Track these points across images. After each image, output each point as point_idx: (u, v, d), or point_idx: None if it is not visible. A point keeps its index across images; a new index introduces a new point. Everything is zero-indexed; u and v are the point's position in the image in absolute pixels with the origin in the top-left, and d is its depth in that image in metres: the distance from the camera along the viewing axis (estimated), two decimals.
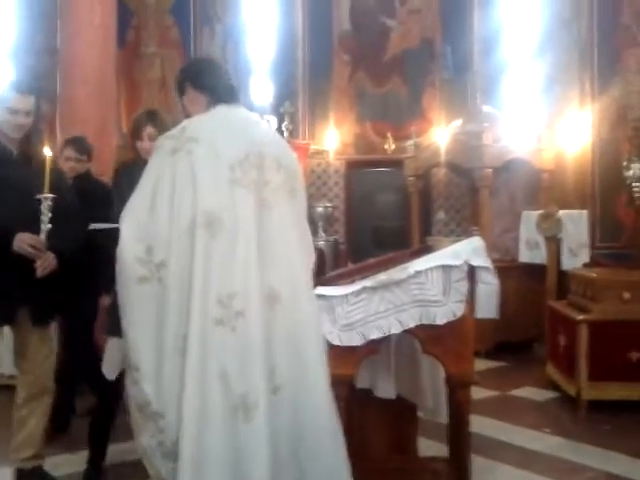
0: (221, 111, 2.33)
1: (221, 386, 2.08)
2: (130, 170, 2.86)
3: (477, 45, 8.12)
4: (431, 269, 2.52)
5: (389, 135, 8.24)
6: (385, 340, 2.63)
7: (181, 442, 2.05)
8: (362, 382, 2.90)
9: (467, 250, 2.58)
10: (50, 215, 2.85)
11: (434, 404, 3.05)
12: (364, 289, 2.53)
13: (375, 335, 2.52)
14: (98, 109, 5.51)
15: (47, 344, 3.15)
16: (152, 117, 3.29)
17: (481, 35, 8.12)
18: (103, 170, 5.58)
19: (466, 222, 7.69)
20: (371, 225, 8.42)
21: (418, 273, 2.52)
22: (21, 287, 2.91)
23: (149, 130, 3.23)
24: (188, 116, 2.38)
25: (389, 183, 8.30)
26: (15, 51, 7.62)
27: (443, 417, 3.04)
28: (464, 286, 2.53)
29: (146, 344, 2.11)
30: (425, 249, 3.01)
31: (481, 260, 2.54)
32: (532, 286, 6.14)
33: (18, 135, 3.03)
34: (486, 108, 7.02)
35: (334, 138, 8.40)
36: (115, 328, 3.08)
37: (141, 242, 2.12)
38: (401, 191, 7.97)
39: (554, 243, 5.95)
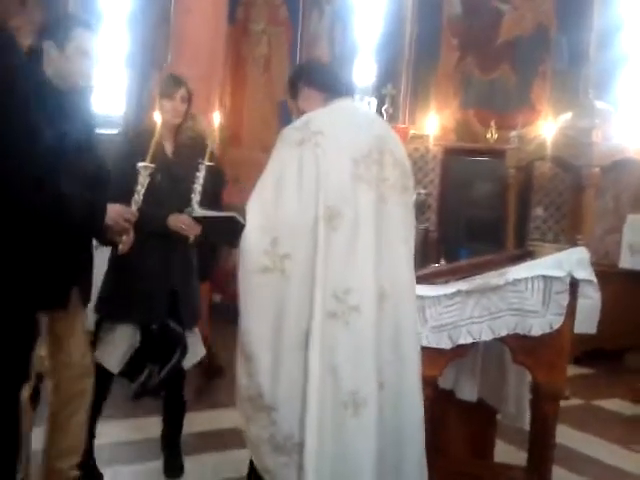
0: (340, 105, 2.32)
1: (331, 381, 2.08)
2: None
3: (594, 37, 7.70)
4: (532, 278, 2.45)
5: (492, 124, 8.00)
6: (474, 344, 2.58)
7: (307, 438, 2.05)
8: (444, 383, 2.87)
9: (571, 261, 2.49)
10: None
11: (516, 410, 2.99)
12: (459, 292, 2.49)
13: (465, 340, 2.49)
14: (205, 85, 5.63)
15: (86, 332, 2.79)
16: (184, 82, 3.16)
17: (599, 26, 7.68)
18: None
19: (565, 221, 7.40)
20: (465, 215, 8.23)
21: (517, 281, 2.45)
22: (73, 266, 2.55)
23: (183, 92, 3.10)
24: (301, 113, 2.34)
25: (488, 173, 8.08)
26: (129, 23, 7.88)
27: (525, 423, 2.97)
28: (565, 299, 2.45)
29: (264, 335, 2.11)
30: (525, 254, 2.92)
31: (585, 273, 2.44)
32: (632, 293, 5.86)
33: (85, 83, 2.57)
34: (599, 104, 6.68)
35: (435, 123, 8.24)
36: (125, 312, 2.97)
37: (267, 233, 2.11)
38: (499, 182, 7.74)
39: None
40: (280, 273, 2.09)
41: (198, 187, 2.82)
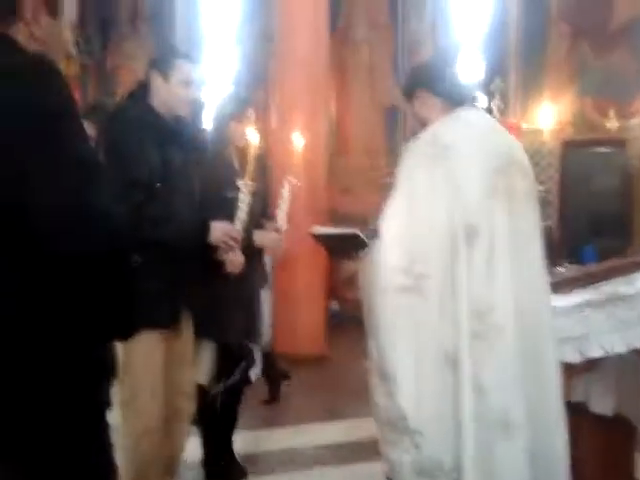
0: (464, 116, 2.23)
1: (481, 403, 2.02)
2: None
3: None
4: None
5: (611, 113, 7.54)
6: (606, 357, 2.41)
7: (465, 461, 2.01)
8: (576, 395, 2.71)
9: None
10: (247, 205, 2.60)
11: None
12: (587, 302, 2.33)
13: (596, 354, 2.32)
14: (310, 95, 5.68)
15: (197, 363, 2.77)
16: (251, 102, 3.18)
17: None
18: (317, 157, 5.76)
19: None
20: (587, 210, 7.81)
21: None
22: (187, 287, 2.54)
23: (250, 112, 3.08)
24: (422, 121, 2.28)
25: (609, 165, 7.63)
26: (235, 38, 8.10)
27: None
28: None
29: (404, 356, 2.06)
30: None
31: None
32: None
33: (186, 111, 2.68)
34: None
35: (549, 116, 7.88)
36: (211, 330, 2.90)
37: (405, 252, 2.06)
38: (623, 174, 7.30)
39: None
40: (418, 292, 2.04)
41: (284, 205, 2.87)
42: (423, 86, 2.28)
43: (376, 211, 2.30)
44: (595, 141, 7.69)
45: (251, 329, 3.21)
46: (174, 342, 2.63)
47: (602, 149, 7.71)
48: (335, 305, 6.89)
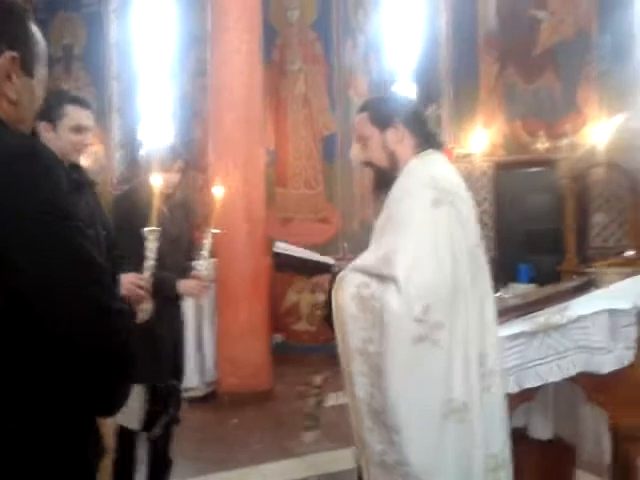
0: (440, 159, 2.23)
1: (482, 450, 2.07)
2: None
3: (639, 32, 7.48)
4: (596, 313, 2.33)
5: (541, 133, 7.81)
6: (543, 385, 2.47)
7: None
8: (515, 421, 2.76)
9: (636, 291, 2.36)
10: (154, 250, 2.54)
11: (596, 448, 2.84)
12: (522, 333, 2.39)
13: (532, 384, 2.38)
14: (246, 131, 5.69)
15: None
16: (182, 154, 3.19)
17: None
18: (253, 191, 5.77)
19: (627, 225, 7.13)
20: (522, 229, 8.03)
21: (581, 317, 2.34)
22: None
23: (179, 164, 3.12)
24: (390, 152, 2.20)
25: (541, 184, 7.87)
26: (170, 74, 8.07)
27: (606, 459, 2.83)
28: (633, 331, 2.31)
29: (412, 407, 2.02)
30: (587, 284, 2.80)
31: None
32: None
33: (79, 158, 2.64)
34: None
35: (482, 139, 8.10)
36: (138, 374, 2.93)
37: (420, 299, 1.99)
38: (555, 192, 7.53)
39: None
40: (432, 343, 1.99)
41: (205, 254, 2.84)
42: (403, 118, 2.22)
43: (319, 240, 2.30)
44: (526, 162, 7.93)
45: (177, 369, 3.27)
46: None
47: (533, 169, 7.95)
48: (278, 338, 6.86)
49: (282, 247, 2.31)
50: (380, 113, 2.23)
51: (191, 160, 7.39)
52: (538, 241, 7.74)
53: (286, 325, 6.80)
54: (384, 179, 2.21)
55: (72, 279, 1.21)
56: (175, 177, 3.17)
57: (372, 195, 2.35)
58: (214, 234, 2.84)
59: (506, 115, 8.16)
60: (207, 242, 2.85)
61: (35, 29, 1.36)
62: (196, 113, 7.51)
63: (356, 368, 2.07)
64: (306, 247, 2.51)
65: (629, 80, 7.20)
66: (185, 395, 5.70)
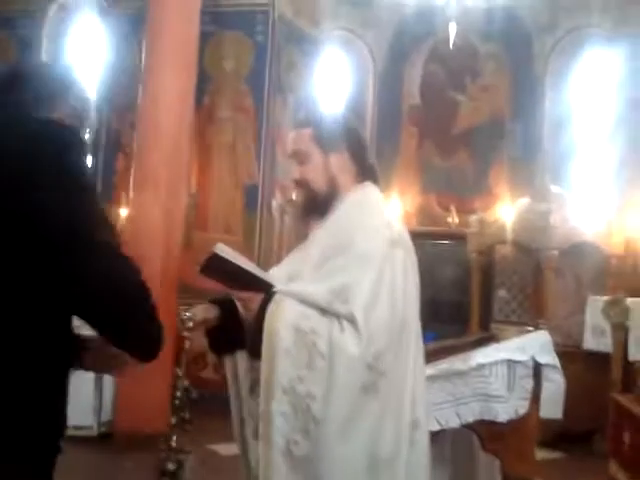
0: (380, 195, 2.13)
1: None
2: None
3: (548, 124, 8.09)
4: (495, 363, 2.45)
5: (453, 208, 8.19)
6: (440, 431, 2.54)
7: None
8: None
9: (534, 345, 2.50)
10: None
11: None
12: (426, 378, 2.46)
13: (431, 427, 2.43)
14: (170, 170, 5.68)
15: None
16: None
17: (552, 114, 8.10)
18: (173, 228, 5.72)
19: (528, 302, 7.50)
20: (429, 298, 8.26)
21: (481, 366, 2.45)
22: None
23: None
24: (331, 177, 2.07)
25: (450, 257, 8.20)
26: (97, 109, 7.99)
27: None
28: (529, 383, 2.44)
29: (339, 459, 1.86)
30: (488, 338, 2.93)
31: (549, 358, 2.45)
32: (596, 375, 5.88)
33: None
34: (554, 188, 6.92)
35: (396, 208, 8.39)
36: None
37: (373, 344, 1.84)
38: (462, 265, 7.85)
39: (621, 331, 5.72)
40: (374, 393, 1.85)
41: None
42: (349, 144, 2.08)
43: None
44: (437, 234, 8.25)
45: None
46: None
47: (444, 241, 8.27)
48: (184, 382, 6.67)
49: (225, 251, 1.99)
50: (326, 134, 2.07)
51: (108, 193, 7.28)
52: (443, 310, 7.99)
53: (192, 372, 6.64)
54: (316, 203, 2.07)
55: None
56: None
57: (299, 217, 2.21)
58: None
59: (421, 187, 8.53)
60: None
61: None
62: (122, 146, 7.44)
63: (277, 408, 1.84)
64: (219, 294, 2.38)
65: (536, 166, 7.73)
66: (78, 434, 5.44)
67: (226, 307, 2.06)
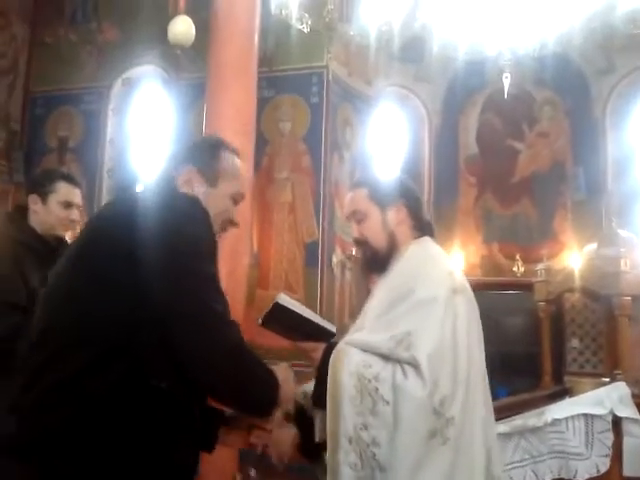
0: (439, 249, 2.16)
1: None
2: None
3: (610, 166, 7.92)
4: (572, 417, 2.34)
5: (518, 257, 8.03)
6: None
7: None
8: None
9: (612, 398, 2.38)
10: None
11: None
12: (498, 435, 2.37)
13: None
14: (233, 231, 5.76)
15: None
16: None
17: (614, 156, 7.94)
18: (237, 288, 5.79)
19: (603, 352, 7.19)
20: (498, 351, 7.99)
21: (557, 421, 2.34)
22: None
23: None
24: (389, 232, 2.11)
25: (518, 307, 7.98)
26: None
27: None
28: (609, 438, 2.32)
29: None
30: (563, 391, 2.82)
31: (629, 411, 2.33)
32: None
33: (65, 233, 2.76)
34: (622, 232, 6.71)
35: (459, 259, 8.28)
36: None
37: (439, 390, 1.82)
38: (531, 315, 7.62)
39: None
40: (442, 440, 1.81)
41: None
42: (407, 200, 2.13)
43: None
44: (503, 284, 8.07)
45: None
46: None
47: (510, 292, 8.08)
48: (252, 471, 6.55)
49: (286, 300, 2.05)
50: (381, 191, 2.14)
51: None
52: (513, 363, 7.73)
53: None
54: (377, 259, 2.10)
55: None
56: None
57: (362, 273, 2.26)
58: None
59: (483, 237, 8.42)
60: None
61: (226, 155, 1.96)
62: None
63: (344, 458, 1.83)
64: (282, 350, 2.36)
65: (601, 209, 7.53)
66: None
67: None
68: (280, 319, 2.02)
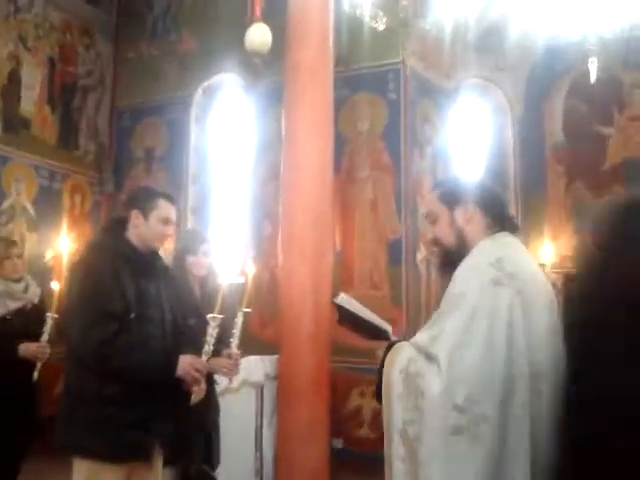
0: (514, 242, 2.12)
1: None
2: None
3: None
4: None
5: None
6: None
7: None
8: None
9: None
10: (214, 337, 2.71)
11: None
12: None
13: None
14: (316, 232, 5.82)
15: None
16: (207, 239, 3.44)
17: None
18: (322, 288, 5.82)
19: None
20: None
21: None
22: (158, 417, 2.67)
23: (205, 248, 3.38)
24: (458, 230, 2.14)
25: None
26: (244, 177, 8.44)
27: None
28: None
29: None
30: None
31: None
32: None
33: (161, 246, 2.95)
34: None
35: (550, 250, 8.02)
36: (175, 457, 2.90)
37: (463, 386, 1.80)
38: None
39: None
40: (472, 437, 1.78)
41: (237, 332, 2.90)
42: (474, 199, 2.15)
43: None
44: None
45: (211, 456, 3.31)
46: (145, 473, 2.70)
47: None
48: (338, 442, 6.65)
49: (344, 300, 2.22)
50: (450, 192, 2.20)
51: (259, 258, 7.58)
52: None
53: (347, 430, 6.61)
54: (451, 258, 2.14)
55: None
56: (202, 260, 3.35)
57: (439, 273, 2.33)
58: (245, 313, 2.88)
59: (574, 227, 8.11)
60: (239, 321, 2.89)
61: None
62: (268, 213, 7.76)
63: (395, 452, 1.91)
64: (369, 351, 2.42)
65: None
66: None
67: None
68: (346, 318, 2.16)
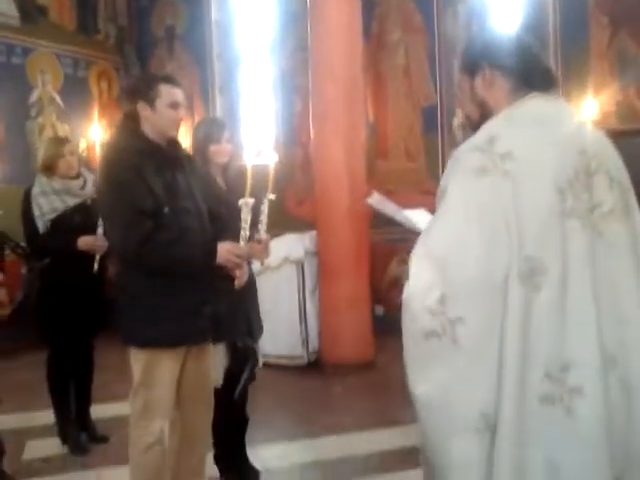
0: (535, 105, 1.76)
1: (549, 479, 1.63)
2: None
3: None
4: None
5: None
6: None
7: None
8: None
9: None
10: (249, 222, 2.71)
11: None
12: None
13: None
14: (347, 104, 5.67)
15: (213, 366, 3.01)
16: (227, 125, 3.39)
17: None
18: (354, 162, 5.73)
19: None
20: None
21: None
22: (209, 302, 2.76)
23: (227, 135, 3.32)
24: (479, 100, 1.85)
25: None
26: (270, 51, 8.17)
27: None
28: None
29: (432, 417, 1.69)
30: None
31: None
32: None
33: (177, 133, 2.86)
34: None
35: (592, 106, 7.69)
36: (223, 334, 3.02)
37: (435, 288, 1.65)
38: None
39: None
40: (450, 342, 1.63)
41: (264, 218, 2.88)
42: (489, 60, 1.83)
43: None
44: None
45: (252, 330, 3.40)
46: (199, 353, 2.84)
47: None
48: (380, 310, 6.84)
49: (376, 200, 2.17)
50: (467, 58, 1.89)
51: (291, 135, 7.46)
52: None
53: (388, 298, 6.75)
54: (477, 130, 1.80)
55: None
56: (225, 148, 3.31)
57: None
58: (270, 200, 2.86)
59: (619, 82, 7.71)
60: (265, 207, 2.86)
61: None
62: (297, 88, 7.56)
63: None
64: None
65: None
66: (291, 363, 5.87)
67: None
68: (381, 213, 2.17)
